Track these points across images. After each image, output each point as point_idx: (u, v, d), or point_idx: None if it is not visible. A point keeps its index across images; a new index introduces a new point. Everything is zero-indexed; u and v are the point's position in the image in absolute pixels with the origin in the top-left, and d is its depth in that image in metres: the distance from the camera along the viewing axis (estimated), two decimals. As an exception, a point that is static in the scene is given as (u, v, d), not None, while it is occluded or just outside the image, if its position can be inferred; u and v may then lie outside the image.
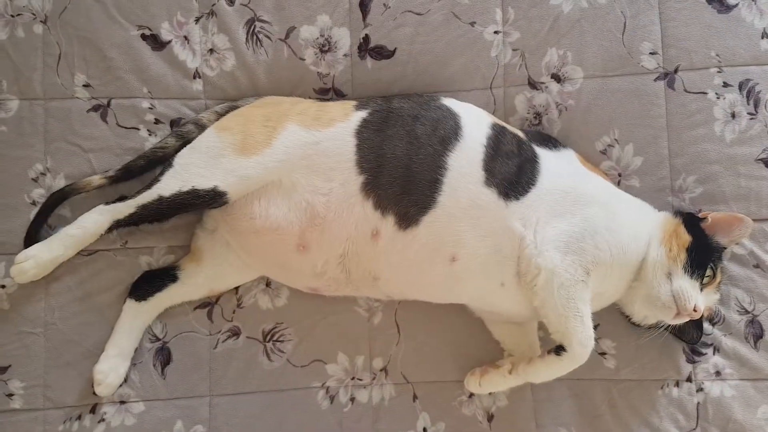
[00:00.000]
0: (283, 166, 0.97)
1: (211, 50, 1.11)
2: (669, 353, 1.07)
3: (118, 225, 1.02)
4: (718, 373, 1.06)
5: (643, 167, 1.10)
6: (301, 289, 1.07)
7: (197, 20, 1.11)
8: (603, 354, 1.07)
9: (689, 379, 1.06)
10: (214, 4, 1.11)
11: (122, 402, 1.03)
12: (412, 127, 0.97)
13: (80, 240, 1.03)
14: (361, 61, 1.12)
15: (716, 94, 1.10)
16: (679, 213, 1.03)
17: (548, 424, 1.05)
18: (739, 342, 1.06)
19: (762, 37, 1.11)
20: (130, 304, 1.04)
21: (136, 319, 1.05)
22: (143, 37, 1.10)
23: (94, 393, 1.04)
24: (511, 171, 0.96)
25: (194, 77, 1.10)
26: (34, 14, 1.09)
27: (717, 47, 1.11)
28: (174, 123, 1.11)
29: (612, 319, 1.07)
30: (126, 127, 1.09)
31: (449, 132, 0.96)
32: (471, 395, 1.06)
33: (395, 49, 1.12)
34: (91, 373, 1.03)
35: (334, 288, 1.04)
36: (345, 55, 1.12)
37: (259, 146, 0.98)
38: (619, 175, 1.11)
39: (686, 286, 0.94)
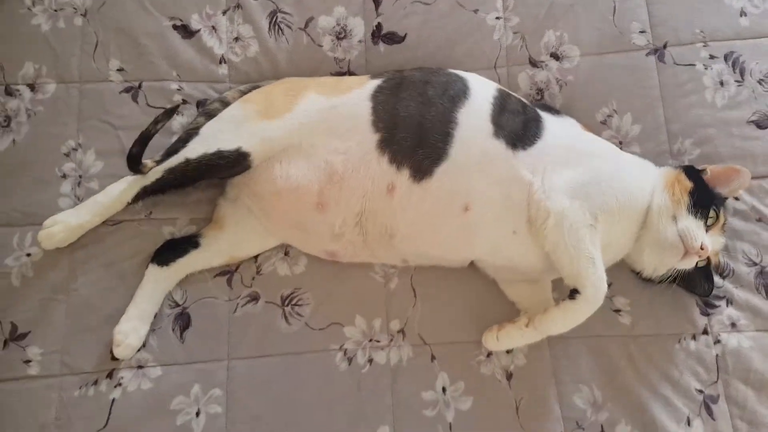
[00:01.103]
0: (303, 128, 1.02)
1: (237, 38, 1.19)
2: (683, 307, 1.07)
3: (144, 192, 1.05)
4: (733, 324, 1.05)
5: (642, 134, 1.15)
6: (319, 255, 1.08)
7: (224, 12, 1.20)
8: (618, 311, 1.07)
9: (705, 332, 1.05)
10: (237, 5, 1.20)
11: (140, 367, 1.02)
12: (424, 89, 1.03)
13: (108, 207, 1.06)
14: (374, 47, 1.20)
15: (704, 65, 1.17)
16: (679, 167, 1.05)
17: (568, 382, 1.03)
18: (751, 293, 1.07)
19: (741, 15, 1.19)
20: (153, 269, 1.06)
21: (157, 283, 1.06)
22: (174, 27, 1.18)
23: (113, 358, 1.03)
24: (517, 125, 1.01)
25: (220, 62, 1.18)
26: (75, 8, 1.18)
27: (700, 25, 1.19)
28: (200, 103, 1.17)
29: (624, 277, 1.09)
30: (155, 107, 1.15)
31: (458, 92, 1.02)
32: (489, 354, 1.05)
33: (405, 34, 1.20)
34: (110, 338, 1.02)
35: (351, 252, 1.06)
36: (359, 41, 1.20)
37: (280, 111, 1.03)
38: (620, 142, 1.17)
39: (692, 225, 0.97)
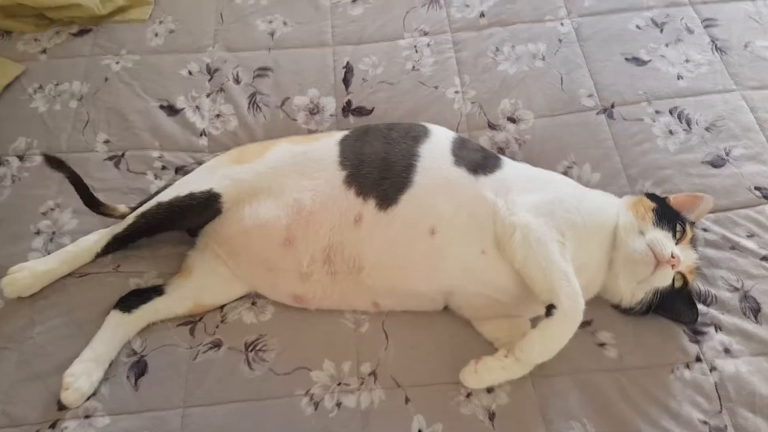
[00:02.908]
0: (273, 172, 1.10)
1: (218, 115, 1.33)
2: (671, 336, 1.05)
3: (115, 241, 1.10)
4: (727, 350, 1.02)
5: (603, 180, 1.23)
6: (287, 301, 1.10)
7: (208, 95, 1.36)
8: (602, 345, 1.04)
9: (699, 359, 1.01)
10: (223, 84, 1.37)
11: (87, 416, 0.97)
12: (388, 133, 1.13)
13: (77, 256, 1.10)
14: (344, 119, 1.33)
15: (651, 119, 1.30)
16: (640, 193, 1.11)
17: (557, 419, 0.96)
18: (738, 318, 1.05)
19: (678, 79, 1.33)
20: (114, 314, 1.06)
21: (117, 328, 1.05)
22: (161, 107, 1.33)
23: (60, 408, 0.96)
24: (477, 157, 1.09)
25: (201, 135, 1.31)
26: (71, 94, 1.32)
27: (642, 87, 1.34)
28: (179, 169, 1.26)
29: (603, 312, 1.08)
30: (135, 172, 1.25)
31: (420, 133, 1.12)
32: (469, 395, 0.99)
33: (373, 108, 1.35)
34: (59, 386, 0.97)
35: (320, 294, 1.07)
36: (331, 115, 1.34)
37: (252, 158, 1.13)
38: None
39: (659, 236, 1.00)
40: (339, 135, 1.17)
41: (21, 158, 1.27)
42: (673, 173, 1.23)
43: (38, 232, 1.17)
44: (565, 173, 1.25)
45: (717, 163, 1.24)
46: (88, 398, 0.99)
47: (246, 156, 1.16)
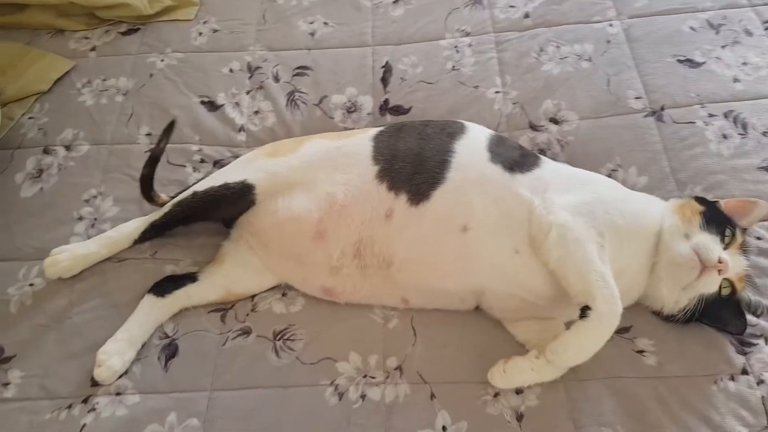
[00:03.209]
0: (306, 166, 1.17)
1: (257, 112, 1.43)
2: (716, 346, 1.05)
3: (153, 228, 1.20)
4: None
5: (650, 184, 1.25)
6: (317, 294, 1.15)
7: (248, 92, 1.45)
8: (641, 352, 1.06)
9: (745, 372, 1.01)
10: (262, 81, 1.46)
11: (118, 393, 1.05)
12: (423, 129, 1.19)
13: (116, 241, 1.19)
14: (381, 117, 1.40)
15: (704, 122, 1.31)
16: (688, 197, 1.12)
17: (589, 424, 0.98)
18: None
19: (734, 82, 1.34)
20: (148, 298, 1.14)
21: (151, 312, 1.13)
22: (202, 102, 1.43)
23: (93, 384, 1.05)
24: (514, 155, 1.13)
25: (239, 130, 1.40)
26: (117, 89, 1.45)
27: (695, 90, 1.36)
28: (216, 162, 1.35)
29: (644, 319, 1.10)
30: (175, 164, 1.34)
31: (456, 130, 1.18)
32: (496, 395, 1.02)
33: (411, 107, 1.41)
34: (93, 365, 1.06)
35: (350, 288, 1.13)
36: (368, 113, 1.41)
37: (287, 151, 1.21)
38: None
39: (706, 239, 1.01)
40: (373, 131, 1.23)
41: (68, 148, 1.39)
42: (725, 178, 1.24)
43: (80, 218, 1.28)
44: (609, 176, 1.27)
45: (773, 169, 1.24)
46: (120, 377, 1.07)
47: (280, 150, 1.24)
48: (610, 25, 1.51)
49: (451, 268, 1.09)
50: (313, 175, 1.17)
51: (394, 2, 1.62)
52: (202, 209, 1.19)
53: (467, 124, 1.21)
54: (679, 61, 1.42)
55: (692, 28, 1.47)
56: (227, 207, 1.19)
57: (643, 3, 1.54)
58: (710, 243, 1.01)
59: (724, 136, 1.29)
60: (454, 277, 1.09)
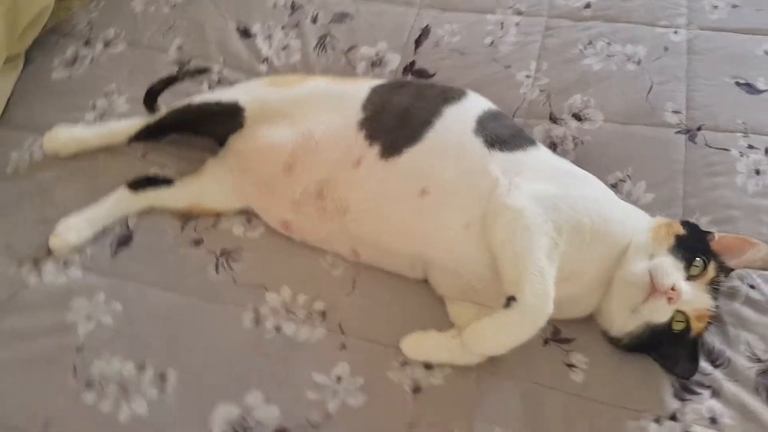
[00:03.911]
0: (299, 101, 1.24)
1: (285, 47, 1.50)
2: (653, 384, 1.00)
3: (147, 129, 1.32)
4: (713, 420, 0.95)
5: (654, 203, 1.20)
6: (276, 226, 1.22)
7: (283, 28, 1.53)
8: (571, 366, 1.03)
9: (674, 418, 0.96)
10: (300, 20, 1.54)
11: (65, 264, 1.16)
12: (422, 90, 1.22)
13: (111, 132, 1.34)
14: (403, 77, 1.42)
15: (740, 152, 1.22)
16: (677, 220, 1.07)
17: (483, 419, 0.98)
18: (746, 392, 0.97)
19: (793, 118, 1.25)
20: (122, 190, 1.26)
21: (120, 202, 1.25)
22: (237, 28, 1.54)
23: (48, 252, 1.18)
24: (502, 133, 1.13)
25: (263, 61, 1.49)
26: (167, 2, 1.58)
27: (744, 117, 1.27)
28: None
29: (592, 337, 1.06)
30: (193, 80, 1.44)
31: (454, 95, 1.19)
32: (406, 363, 1.03)
33: (435, 73, 1.43)
34: (56, 233, 1.19)
35: (307, 226, 1.19)
36: (391, 71, 1.45)
37: (287, 85, 1.29)
38: None
39: (667, 262, 0.96)
40: (376, 82, 1.27)
41: (106, 45, 1.54)
42: (740, 215, 1.16)
43: (94, 108, 1.43)
44: (614, 186, 1.23)
45: (804, 217, 1.14)
46: (72, 251, 1.20)
47: (282, 82, 1.31)
48: (675, 32, 1.44)
49: (401, 229, 1.11)
50: (302, 111, 1.23)
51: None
52: (193, 121, 1.29)
53: (469, 93, 1.21)
54: (738, 84, 1.33)
55: (766, 53, 1.37)
56: (215, 123, 1.28)
57: (721, 16, 1.45)
58: (669, 267, 0.96)
59: (757, 172, 1.21)
60: (402, 239, 1.11)
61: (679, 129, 1.28)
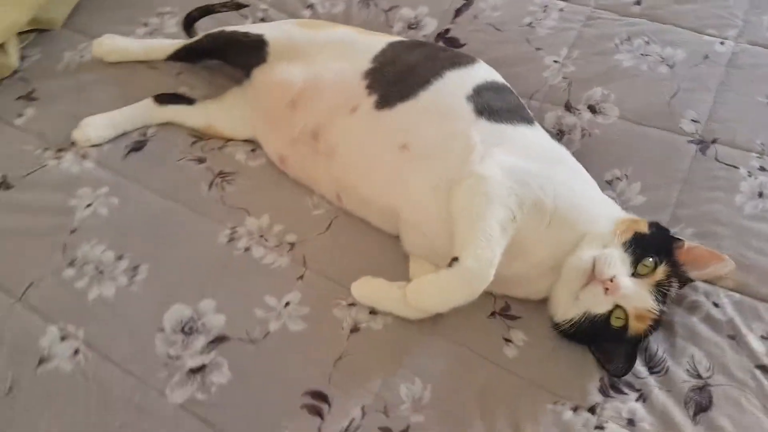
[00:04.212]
0: (319, 45, 1.30)
1: (331, -3, 1.56)
2: (582, 374, 1.00)
3: (184, 50, 1.41)
4: (631, 422, 0.95)
5: (644, 206, 1.17)
6: (274, 158, 1.29)
7: (333, -20, 1.59)
8: (508, 341, 1.04)
9: (592, 411, 0.96)
10: (352, -26, 1.58)
11: (82, 156, 1.28)
12: (435, 52, 1.24)
13: (153, 47, 1.45)
14: (434, 43, 1.45)
15: (749, 172, 1.17)
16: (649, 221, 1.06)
17: (407, 369, 1.01)
18: (674, 403, 0.96)
19: (820, 148, 1.18)
20: (147, 101, 1.37)
21: (144, 112, 1.36)
22: (292, -28, 1.60)
23: (72, 143, 1.31)
24: (496, 105, 1.14)
25: (307, 7, 1.55)
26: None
27: (764, 138, 1.21)
28: (273, 25, 1.51)
29: (539, 321, 1.06)
30: (240, 13, 1.53)
31: (461, 62, 1.21)
32: (354, 304, 1.08)
33: (466, 43, 1.45)
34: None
35: (299, 164, 1.25)
36: (424, 35, 1.47)
37: (315, 28, 1.35)
38: None
39: (614, 254, 0.95)
40: (395, 38, 1.31)
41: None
42: (728, 233, 1.12)
43: (146, 25, 1.55)
44: (609, 182, 1.22)
45: (790, 249, 1.09)
46: (95, 146, 1.32)
47: (311, 25, 1.37)
48: (722, 43, 1.38)
49: (378, 180, 1.15)
50: (320, 55, 1.28)
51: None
52: (222, 48, 1.38)
53: (478, 62, 1.23)
54: (770, 103, 1.27)
55: (812, 80, 1.30)
56: (241, 54, 1.35)
57: (777, 33, 1.37)
58: (615, 259, 0.95)
59: (760, 195, 1.16)
60: (378, 189, 1.15)
61: (692, 138, 1.24)
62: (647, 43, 1.39)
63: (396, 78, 1.18)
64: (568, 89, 1.35)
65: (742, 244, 1.10)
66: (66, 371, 1.02)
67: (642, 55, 1.38)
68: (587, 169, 1.19)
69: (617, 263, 0.94)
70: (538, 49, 1.42)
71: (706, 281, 1.06)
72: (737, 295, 1.05)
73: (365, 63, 1.22)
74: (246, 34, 1.33)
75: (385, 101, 1.15)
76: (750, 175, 1.18)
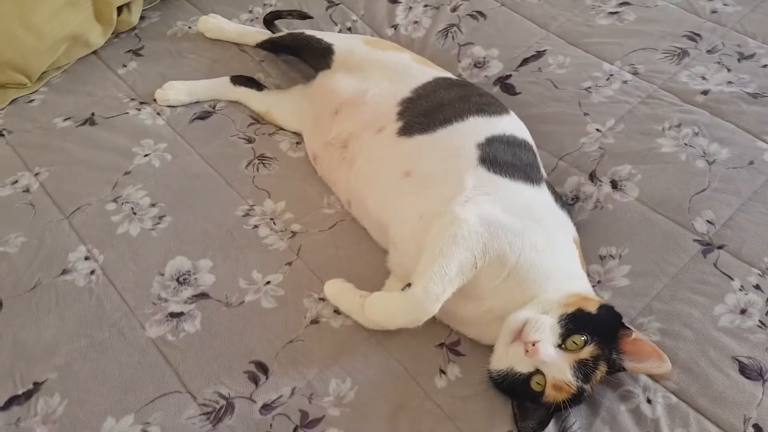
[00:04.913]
0: (377, 64, 1.43)
1: (416, 22, 1.69)
2: (493, 424, 1.07)
3: (269, 42, 1.60)
4: None
5: (623, 290, 1.20)
6: (309, 154, 1.44)
7: (425, 6, 1.71)
8: (442, 372, 1.12)
9: None
10: (442, 4, 1.71)
11: (158, 113, 1.51)
12: (471, 96, 1.33)
13: (247, 34, 1.68)
14: (492, 86, 1.54)
15: (741, 286, 1.17)
16: (604, 302, 1.10)
17: (342, 364, 1.12)
18: None
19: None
20: (224, 79, 1.58)
21: (219, 88, 1.57)
22: (390, -6, 1.74)
23: (154, 99, 1.55)
24: (502, 157, 1.21)
25: (391, 26, 1.69)
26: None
27: None
28: (356, 36, 1.67)
29: (481, 361, 1.13)
30: (335, 21, 1.71)
31: (493, 110, 1.29)
32: (323, 299, 1.21)
33: (520, 93, 1.52)
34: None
35: (327, 164, 1.39)
36: (486, 76, 1.56)
37: (378, 46, 1.48)
38: (598, 282, 1.22)
39: (546, 322, 1.01)
40: (444, 73, 1.42)
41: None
42: (692, 338, 1.12)
43: (251, 11, 1.77)
44: (602, 257, 1.25)
45: (749, 372, 1.09)
46: (171, 107, 1.56)
47: (377, 45, 1.51)
48: (771, 151, 1.36)
49: (379, 198, 1.27)
50: (374, 72, 1.42)
51: (610, 13, 1.67)
52: (299, 48, 1.56)
53: (508, 114, 1.31)
54: (797, 226, 1.24)
55: None
56: (311, 56, 1.53)
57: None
58: (545, 327, 1.01)
59: (742, 312, 1.15)
60: (377, 206, 1.27)
61: (699, 239, 1.24)
62: (696, 134, 1.39)
63: (425, 111, 1.29)
64: (599, 159, 1.38)
65: (699, 352, 1.10)
66: (79, 285, 1.24)
67: (685, 144, 1.38)
68: (585, 239, 1.24)
69: (545, 331, 1.00)
70: (585, 114, 1.46)
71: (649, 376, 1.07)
72: (674, 398, 1.06)
73: (406, 91, 1.34)
74: (319, 41, 1.50)
75: (407, 130, 1.27)
76: (741, 289, 1.16)
